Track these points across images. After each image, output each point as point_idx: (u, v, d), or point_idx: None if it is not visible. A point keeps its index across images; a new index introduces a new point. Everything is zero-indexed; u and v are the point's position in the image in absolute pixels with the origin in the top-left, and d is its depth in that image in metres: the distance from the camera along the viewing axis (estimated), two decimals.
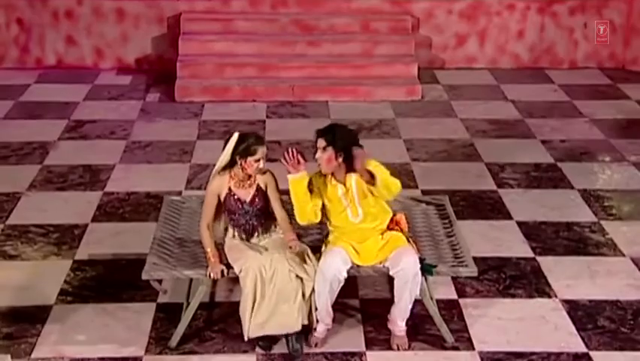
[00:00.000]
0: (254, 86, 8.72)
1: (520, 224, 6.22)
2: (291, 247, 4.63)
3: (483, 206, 6.50)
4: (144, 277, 4.67)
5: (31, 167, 7.09)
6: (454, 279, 5.44)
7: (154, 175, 6.91)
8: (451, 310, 5.16)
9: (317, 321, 4.76)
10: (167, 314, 5.08)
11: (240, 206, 4.70)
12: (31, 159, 7.24)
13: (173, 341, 4.78)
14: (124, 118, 8.20)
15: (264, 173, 4.74)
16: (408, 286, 4.62)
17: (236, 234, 4.79)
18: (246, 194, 4.71)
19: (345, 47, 9.10)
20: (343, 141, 4.58)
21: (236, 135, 4.67)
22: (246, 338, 4.64)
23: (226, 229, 4.85)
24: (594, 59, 9.78)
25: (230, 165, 4.68)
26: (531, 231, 6.13)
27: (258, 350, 4.74)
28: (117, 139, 7.70)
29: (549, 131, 7.97)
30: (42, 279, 5.43)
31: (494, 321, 5.07)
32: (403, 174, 7.00)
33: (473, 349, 4.81)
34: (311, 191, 4.68)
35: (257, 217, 4.75)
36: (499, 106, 8.64)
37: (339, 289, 4.68)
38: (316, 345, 4.78)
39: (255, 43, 9.08)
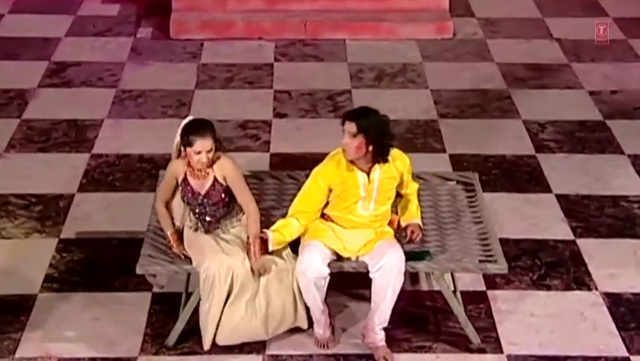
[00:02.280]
0: (260, 21, 8.79)
1: (559, 198, 6.34)
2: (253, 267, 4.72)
3: (519, 175, 6.60)
4: (139, 271, 4.85)
5: (8, 121, 7.24)
6: None
7: (147, 134, 7.04)
8: (478, 304, 5.31)
9: (312, 321, 4.98)
10: (164, 306, 5.24)
11: (195, 197, 4.85)
12: (9, 112, 7.39)
13: (171, 340, 4.98)
14: (112, 60, 8.28)
15: (216, 161, 4.79)
16: (390, 285, 4.75)
17: (195, 223, 4.93)
18: (201, 186, 4.83)
19: None
20: (376, 129, 4.68)
21: (185, 121, 4.80)
22: (207, 347, 4.85)
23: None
24: None
25: (180, 154, 4.83)
26: (572, 207, 6.25)
27: (265, 351, 4.96)
28: (105, 87, 7.80)
29: (599, 80, 8.00)
30: (25, 262, 5.62)
31: (526, 318, 5.23)
32: (429, 134, 7.12)
33: (501, 352, 4.98)
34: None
35: (215, 211, 4.88)
36: (542, 46, 8.66)
37: (326, 285, 4.83)
38: (325, 347, 4.99)
39: None
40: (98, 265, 5.60)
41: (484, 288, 5.48)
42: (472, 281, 5.50)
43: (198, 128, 4.75)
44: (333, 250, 4.85)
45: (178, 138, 4.82)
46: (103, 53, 8.41)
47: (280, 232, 4.83)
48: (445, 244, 5.07)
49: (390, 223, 5.00)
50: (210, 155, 4.74)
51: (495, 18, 9.24)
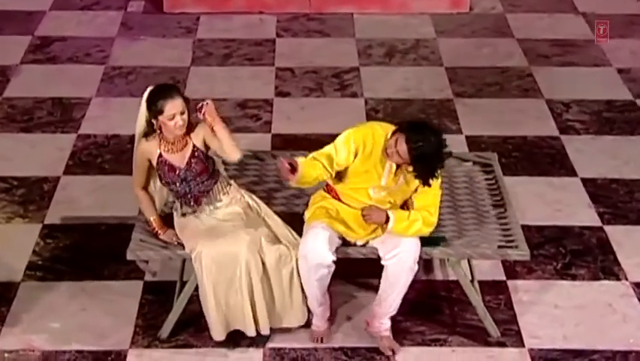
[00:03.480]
0: None
1: (585, 182, 6.32)
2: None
3: (541, 158, 6.59)
4: (129, 257, 4.84)
5: None
6: None
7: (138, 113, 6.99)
8: (497, 295, 5.30)
9: (310, 312, 4.95)
10: (157, 295, 5.25)
11: (175, 173, 4.82)
12: None
13: (165, 331, 4.98)
14: (101, 35, 8.27)
15: (194, 129, 4.76)
16: (404, 274, 4.72)
17: (182, 209, 4.91)
18: (180, 159, 4.80)
19: None
20: (428, 160, 4.54)
21: (145, 93, 4.75)
22: (216, 339, 4.85)
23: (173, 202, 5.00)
24: None
25: (152, 128, 4.77)
26: (599, 191, 6.23)
27: (267, 344, 4.95)
28: (93, 63, 7.79)
29: (628, 57, 7.98)
30: (6, 249, 5.60)
31: (550, 310, 5.22)
32: (444, 113, 7.10)
33: (523, 345, 4.97)
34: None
35: (198, 184, 4.84)
36: (567, 20, 8.64)
37: (330, 275, 4.78)
38: (320, 341, 4.96)
39: None
40: (86, 252, 5.60)
41: (503, 278, 5.46)
42: (490, 270, 5.49)
43: (163, 92, 4.70)
44: (340, 233, 4.81)
45: (143, 112, 4.75)
46: (90, 28, 8.40)
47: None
48: (462, 228, 5.05)
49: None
50: (185, 117, 4.70)
51: None
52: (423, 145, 4.50)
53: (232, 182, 5.01)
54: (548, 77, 7.65)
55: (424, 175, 4.62)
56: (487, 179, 5.46)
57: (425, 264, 5.44)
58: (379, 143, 4.69)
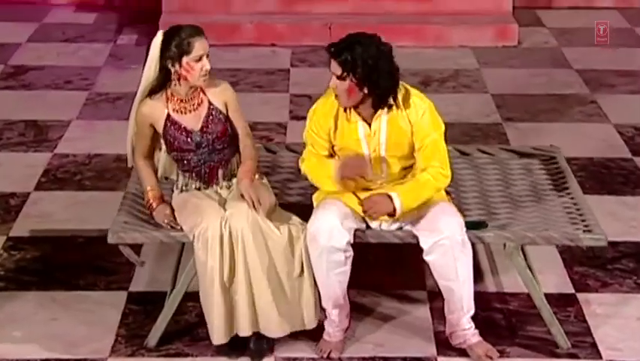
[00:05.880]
0: (273, 23, 8.79)
1: None
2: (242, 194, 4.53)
3: (611, 178, 6.52)
4: (111, 239, 4.64)
5: None
6: (568, 267, 5.42)
7: (126, 134, 6.87)
8: (565, 307, 5.11)
9: (325, 316, 4.69)
10: (145, 306, 5.09)
11: (187, 138, 4.63)
12: None
13: (153, 339, 4.74)
14: (85, 64, 8.35)
15: (217, 86, 4.66)
16: (459, 261, 4.51)
17: (188, 183, 4.72)
18: (195, 119, 4.62)
19: None
20: (368, 66, 4.40)
21: (159, 34, 4.60)
22: (216, 342, 4.61)
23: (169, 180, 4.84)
24: None
25: (162, 81, 4.60)
26: None
27: (274, 352, 4.69)
28: (75, 90, 7.85)
29: None
30: None
31: (630, 323, 5.01)
32: (493, 136, 7.05)
33: (600, 357, 4.72)
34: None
35: (215, 152, 4.66)
36: (634, 54, 8.68)
37: (349, 263, 4.54)
38: (328, 356, 4.67)
39: None
40: (58, 264, 5.51)
41: (572, 290, 5.28)
42: (557, 283, 5.34)
43: (188, 28, 4.55)
44: (358, 213, 4.58)
45: (155, 59, 4.57)
46: (73, 58, 8.51)
47: None
48: (520, 216, 4.87)
49: None
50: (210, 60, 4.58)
51: (571, 28, 9.35)
52: (344, 48, 4.39)
53: None
54: (614, 103, 7.65)
55: (379, 95, 4.44)
56: (549, 170, 5.31)
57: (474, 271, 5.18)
58: (343, 116, 4.59)
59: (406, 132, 4.55)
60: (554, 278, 5.33)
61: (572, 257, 5.50)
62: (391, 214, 4.49)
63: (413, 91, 4.61)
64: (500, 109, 7.49)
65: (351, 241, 4.52)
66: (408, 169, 4.62)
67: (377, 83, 4.43)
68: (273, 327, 4.59)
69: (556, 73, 8.23)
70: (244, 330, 4.56)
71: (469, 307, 4.61)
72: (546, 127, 7.18)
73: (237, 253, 4.47)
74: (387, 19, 8.79)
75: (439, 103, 7.41)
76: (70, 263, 5.45)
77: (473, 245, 4.60)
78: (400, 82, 4.54)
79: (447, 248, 4.50)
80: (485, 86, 7.92)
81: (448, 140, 4.66)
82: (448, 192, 4.81)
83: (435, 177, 4.53)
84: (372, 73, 4.40)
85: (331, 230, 4.46)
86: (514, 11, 9.13)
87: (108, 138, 6.89)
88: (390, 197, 4.47)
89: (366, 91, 4.44)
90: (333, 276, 4.53)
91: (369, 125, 4.55)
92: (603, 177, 6.49)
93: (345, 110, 4.55)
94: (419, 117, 4.54)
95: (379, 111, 4.52)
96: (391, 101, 4.50)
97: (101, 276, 5.29)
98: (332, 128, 4.60)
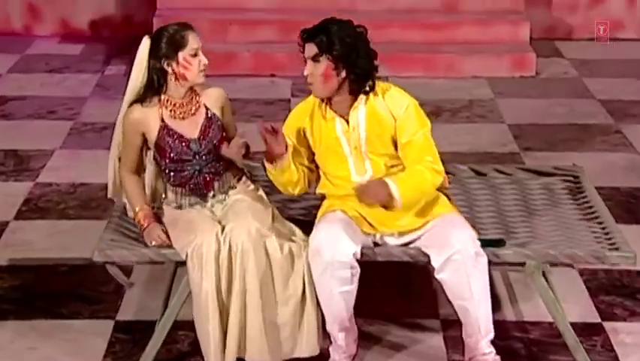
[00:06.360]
0: (272, 52, 8.79)
1: None
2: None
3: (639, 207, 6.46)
4: (96, 257, 4.56)
5: None
6: (593, 296, 5.36)
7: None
8: (590, 336, 5.04)
9: (330, 341, 4.59)
10: (133, 335, 5.03)
11: (185, 147, 4.57)
12: None
13: None
14: (70, 95, 8.36)
15: (212, 90, 4.66)
16: (473, 278, 4.42)
17: (181, 200, 4.65)
18: (192, 126, 4.57)
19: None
20: (346, 44, 4.42)
21: (146, 38, 4.57)
22: None
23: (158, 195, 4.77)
24: None
25: (153, 87, 4.55)
26: None
27: None
28: (59, 119, 7.85)
29: None
30: None
31: None
32: (509, 164, 6.93)
33: None
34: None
35: (211, 163, 4.60)
36: None
37: (356, 282, 4.45)
38: None
39: None
40: (39, 293, 5.47)
41: (598, 319, 5.20)
42: (581, 313, 5.27)
43: (179, 25, 4.54)
44: (362, 228, 4.54)
45: (144, 62, 4.54)
46: (58, 89, 8.52)
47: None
48: (540, 235, 4.80)
49: None
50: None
51: (592, 59, 9.35)
52: (319, 30, 4.42)
53: (245, 169, 4.79)
54: None
55: (357, 76, 4.44)
56: (571, 189, 5.26)
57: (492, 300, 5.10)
58: (319, 114, 4.59)
59: (388, 125, 4.52)
60: (578, 308, 5.26)
61: (598, 286, 5.44)
62: (389, 206, 4.41)
63: (393, 86, 4.62)
64: (518, 139, 7.46)
65: (358, 256, 4.43)
66: (394, 169, 4.55)
67: (355, 63, 4.44)
68: (258, 357, 4.48)
69: (578, 103, 8.22)
70: (230, 354, 4.46)
71: (487, 329, 4.51)
72: (567, 156, 7.08)
73: (235, 270, 4.39)
74: (394, 47, 8.76)
75: (452, 133, 7.64)
76: (52, 292, 5.40)
77: (490, 273, 4.51)
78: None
79: (459, 264, 4.42)
80: (501, 116, 7.89)
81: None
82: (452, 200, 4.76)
83: (428, 169, 4.46)
84: (351, 52, 4.43)
85: (335, 243, 4.38)
86: (532, 43, 9.13)
87: (94, 167, 6.82)
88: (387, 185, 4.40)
89: (343, 74, 4.44)
90: (338, 295, 4.43)
91: (347, 121, 4.52)
92: (631, 207, 6.43)
93: (321, 102, 4.54)
94: (402, 111, 4.51)
95: (356, 102, 4.50)
96: (369, 86, 4.49)
97: (85, 304, 5.24)
98: (307, 129, 4.59)
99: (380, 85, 4.55)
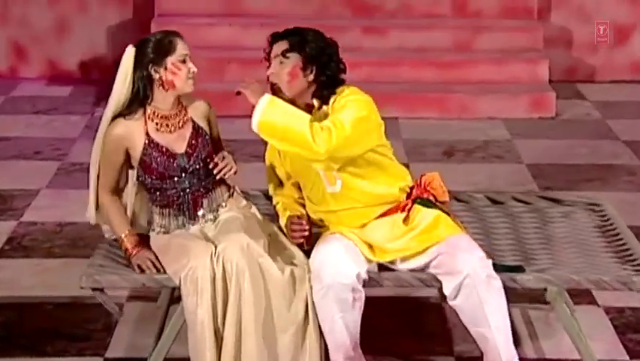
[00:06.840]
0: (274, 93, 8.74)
1: None
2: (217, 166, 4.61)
3: None
4: (85, 283, 4.56)
5: None
6: (620, 334, 5.34)
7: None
8: None
9: None
10: None
11: (172, 162, 4.57)
12: None
13: None
14: (58, 136, 8.42)
15: (198, 102, 4.74)
16: (487, 303, 4.39)
17: (168, 222, 4.64)
18: (179, 140, 4.59)
19: (428, 37, 9.24)
20: (319, 47, 4.51)
21: (130, 47, 4.58)
22: None
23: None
24: None
25: (137, 99, 4.56)
26: None
27: None
28: (45, 160, 7.89)
29: None
30: None
31: None
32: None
33: None
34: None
35: (199, 179, 4.61)
36: None
37: (359, 308, 4.43)
38: None
39: (276, 28, 9.13)
40: (23, 331, 5.44)
41: (626, 357, 5.19)
42: (607, 350, 5.24)
43: (165, 32, 4.60)
44: (363, 250, 4.52)
45: (128, 73, 4.54)
46: (45, 130, 8.58)
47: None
48: (562, 261, 4.78)
49: (426, 189, 4.70)
50: None
51: (616, 101, 9.38)
52: (291, 32, 4.57)
53: (236, 186, 4.78)
54: None
55: (325, 80, 4.51)
56: (594, 217, 5.26)
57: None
58: None
59: None
60: (604, 345, 5.23)
61: (626, 323, 5.41)
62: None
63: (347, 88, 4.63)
64: (537, 179, 7.47)
65: (363, 278, 4.42)
66: (364, 181, 4.56)
67: (326, 66, 4.51)
68: None
69: (601, 144, 8.24)
70: None
71: (508, 357, 4.45)
72: (591, 196, 7.07)
73: (230, 294, 4.36)
74: (406, 87, 8.86)
75: (466, 173, 7.64)
76: (37, 330, 5.38)
77: (509, 308, 4.49)
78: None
79: (470, 289, 4.41)
80: (519, 156, 7.91)
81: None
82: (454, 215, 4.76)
83: (319, 128, 4.37)
84: (323, 54, 4.52)
85: (336, 264, 4.38)
86: (551, 85, 9.15)
87: (82, 207, 6.74)
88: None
89: (311, 77, 4.51)
90: (340, 320, 4.39)
91: None
92: None
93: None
94: (341, 97, 4.54)
95: (314, 109, 4.53)
96: (332, 96, 4.53)
97: (72, 342, 5.21)
98: (280, 152, 4.70)
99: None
